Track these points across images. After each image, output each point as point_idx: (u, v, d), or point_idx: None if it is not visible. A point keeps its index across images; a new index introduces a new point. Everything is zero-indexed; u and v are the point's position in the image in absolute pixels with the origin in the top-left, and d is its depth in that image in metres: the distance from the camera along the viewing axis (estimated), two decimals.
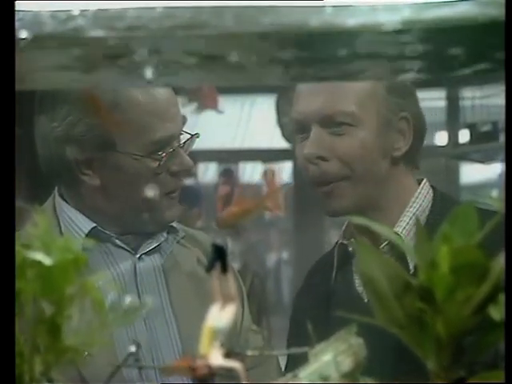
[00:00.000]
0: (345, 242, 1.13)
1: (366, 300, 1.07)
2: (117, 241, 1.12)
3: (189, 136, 1.13)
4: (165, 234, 1.15)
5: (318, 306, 1.11)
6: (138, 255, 1.12)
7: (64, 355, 0.59)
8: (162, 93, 1.09)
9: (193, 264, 1.15)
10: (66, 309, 0.58)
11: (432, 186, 1.14)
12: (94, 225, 1.10)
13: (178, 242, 1.17)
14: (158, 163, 1.07)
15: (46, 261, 0.56)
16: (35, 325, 0.58)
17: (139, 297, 1.09)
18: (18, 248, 0.57)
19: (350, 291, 1.09)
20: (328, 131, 1.08)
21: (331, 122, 1.07)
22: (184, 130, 1.13)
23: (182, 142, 1.12)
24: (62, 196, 1.14)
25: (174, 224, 1.16)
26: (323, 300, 1.12)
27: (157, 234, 1.14)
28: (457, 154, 3.42)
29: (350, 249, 1.12)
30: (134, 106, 1.07)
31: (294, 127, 1.12)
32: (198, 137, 1.15)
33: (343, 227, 1.15)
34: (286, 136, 3.57)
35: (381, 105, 1.08)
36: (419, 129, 1.12)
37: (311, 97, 1.08)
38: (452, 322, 0.54)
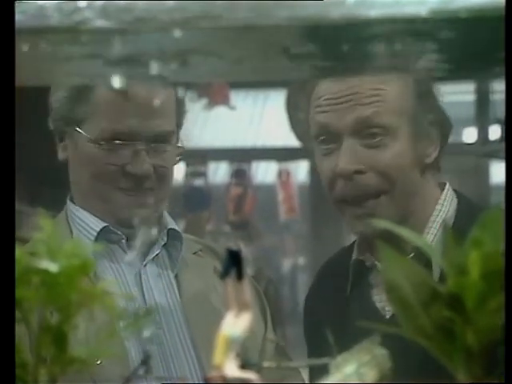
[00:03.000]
0: (360, 257, 1.12)
1: (387, 316, 1.07)
2: (124, 242, 1.14)
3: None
4: (165, 238, 1.17)
5: (332, 320, 1.11)
6: (144, 262, 1.14)
7: (71, 366, 0.60)
8: (148, 88, 1.11)
9: (209, 273, 1.16)
10: (73, 317, 0.59)
11: (455, 190, 1.14)
12: (106, 224, 1.12)
13: (194, 253, 1.19)
14: (109, 153, 1.11)
15: (52, 268, 0.57)
16: (40, 334, 0.59)
17: (145, 304, 1.12)
18: (22, 254, 0.58)
19: (369, 307, 1.09)
20: (361, 143, 1.06)
21: (366, 134, 1.05)
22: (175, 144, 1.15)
23: (152, 146, 1.13)
24: (71, 199, 1.18)
25: (176, 227, 1.18)
26: (337, 314, 1.12)
27: (158, 239, 1.16)
28: (487, 151, 3.40)
29: (368, 263, 1.12)
30: (107, 91, 1.10)
31: (317, 138, 1.09)
32: (181, 151, 1.16)
33: (356, 241, 1.14)
34: (299, 134, 3.56)
35: (411, 110, 1.07)
36: (445, 131, 1.11)
37: (342, 107, 1.06)
38: (483, 331, 0.54)
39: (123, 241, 1.14)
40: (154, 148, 1.13)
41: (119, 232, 1.13)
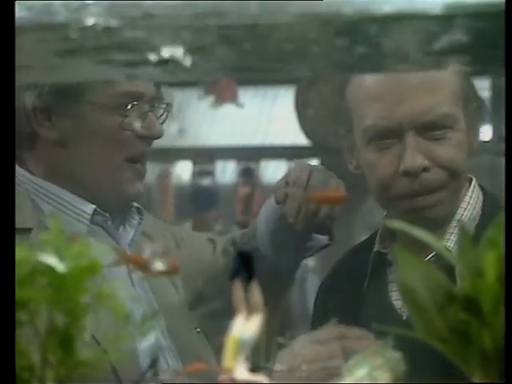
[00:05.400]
0: (382, 250, 1.11)
1: (404, 317, 1.05)
2: (109, 224, 1.11)
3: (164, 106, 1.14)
4: (137, 218, 1.14)
5: (346, 314, 1.10)
6: (127, 244, 1.12)
7: (78, 369, 0.60)
8: None
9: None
10: (80, 319, 0.59)
11: (481, 187, 1.12)
12: (95, 206, 1.09)
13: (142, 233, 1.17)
14: (123, 118, 1.09)
15: (59, 267, 0.58)
16: (47, 337, 0.59)
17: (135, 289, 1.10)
18: (28, 254, 0.59)
19: (385, 305, 1.08)
20: (425, 136, 1.02)
21: (430, 128, 1.02)
22: (164, 102, 1.15)
23: (152, 107, 1.12)
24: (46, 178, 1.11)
25: (138, 205, 1.16)
26: (352, 309, 1.11)
27: (129, 219, 1.14)
28: (503, 150, 3.37)
29: (389, 257, 1.10)
30: None
31: (368, 132, 1.05)
32: (169, 110, 1.15)
33: (378, 233, 1.13)
34: (308, 132, 3.55)
35: (464, 100, 1.05)
36: (482, 119, 1.12)
37: (401, 100, 1.01)
38: (500, 334, 0.54)
39: (109, 222, 1.11)
40: (157, 110, 1.13)
41: (106, 214, 1.10)
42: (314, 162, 3.76)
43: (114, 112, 1.09)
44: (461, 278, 0.74)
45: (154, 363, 0.66)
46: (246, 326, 0.57)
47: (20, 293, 0.58)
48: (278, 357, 1.05)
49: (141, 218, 1.15)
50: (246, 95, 3.71)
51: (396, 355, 0.60)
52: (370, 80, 1.05)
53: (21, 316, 0.59)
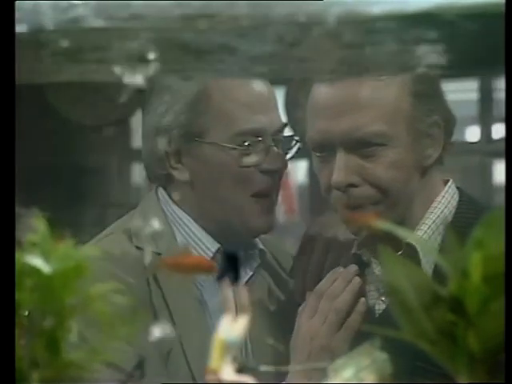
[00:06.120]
0: (358, 252, 1.13)
1: (376, 315, 1.08)
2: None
3: (289, 138, 1.17)
4: (258, 259, 1.16)
5: None
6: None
7: (64, 371, 0.60)
8: (257, 84, 1.13)
9: (263, 293, 1.16)
10: (67, 321, 0.59)
11: (458, 188, 1.13)
12: (219, 245, 1.12)
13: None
14: (244, 156, 1.11)
15: (45, 268, 0.58)
16: (33, 338, 0.59)
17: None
18: (16, 256, 0.59)
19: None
20: (355, 153, 1.05)
21: (360, 145, 1.04)
22: (287, 134, 1.17)
23: (277, 140, 1.15)
24: (185, 210, 1.15)
25: (262, 246, 1.16)
26: None
27: (250, 260, 1.15)
28: (491, 150, 3.40)
29: (365, 258, 1.12)
30: (224, 94, 1.11)
31: (311, 144, 1.09)
32: (298, 142, 1.17)
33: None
34: (298, 133, 3.55)
35: (410, 116, 1.06)
36: (449, 127, 1.10)
37: (334, 117, 1.04)
38: (486, 335, 0.54)
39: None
40: (281, 142, 1.15)
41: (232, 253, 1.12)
42: (303, 163, 3.76)
43: (235, 151, 1.11)
44: (426, 268, 0.75)
45: (140, 364, 0.66)
46: (232, 327, 0.57)
47: None
48: (295, 348, 1.06)
49: (262, 262, 1.16)
50: None
51: (383, 356, 0.61)
52: (316, 92, 1.08)
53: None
